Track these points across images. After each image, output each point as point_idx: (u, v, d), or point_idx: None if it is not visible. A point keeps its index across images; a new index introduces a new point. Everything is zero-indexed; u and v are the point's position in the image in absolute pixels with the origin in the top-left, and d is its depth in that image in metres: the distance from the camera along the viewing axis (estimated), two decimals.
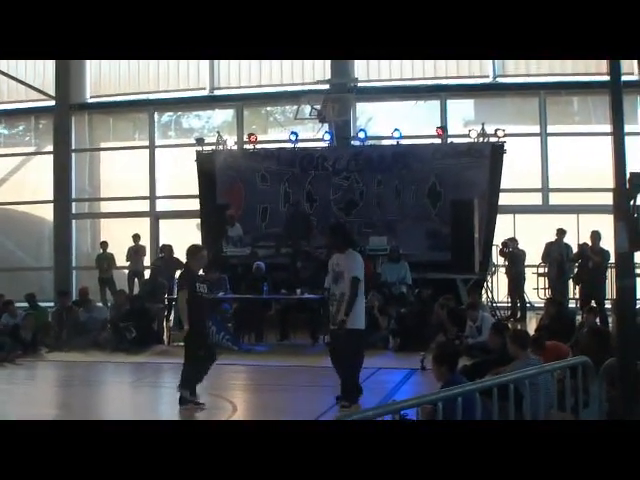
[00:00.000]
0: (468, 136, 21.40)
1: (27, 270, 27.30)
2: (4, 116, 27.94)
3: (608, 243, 18.99)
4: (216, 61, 25.28)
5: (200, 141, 23.13)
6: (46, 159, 26.98)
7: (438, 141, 22.10)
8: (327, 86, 23.20)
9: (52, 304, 22.06)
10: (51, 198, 26.49)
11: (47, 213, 26.88)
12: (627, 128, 6.84)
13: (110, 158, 27.65)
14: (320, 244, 19.10)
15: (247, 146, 23.40)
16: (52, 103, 26.33)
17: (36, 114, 27.69)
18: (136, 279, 22.41)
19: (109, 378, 15.16)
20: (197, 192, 23.25)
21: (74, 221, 26.88)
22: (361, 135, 22.46)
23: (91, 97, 26.94)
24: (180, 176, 25.25)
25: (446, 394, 5.54)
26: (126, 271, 23.00)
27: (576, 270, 20.02)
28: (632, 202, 6.27)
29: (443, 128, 22.16)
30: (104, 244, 23.25)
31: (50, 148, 26.99)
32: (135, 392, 13.88)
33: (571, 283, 20.48)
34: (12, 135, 28.95)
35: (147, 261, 23.34)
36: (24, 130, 28.75)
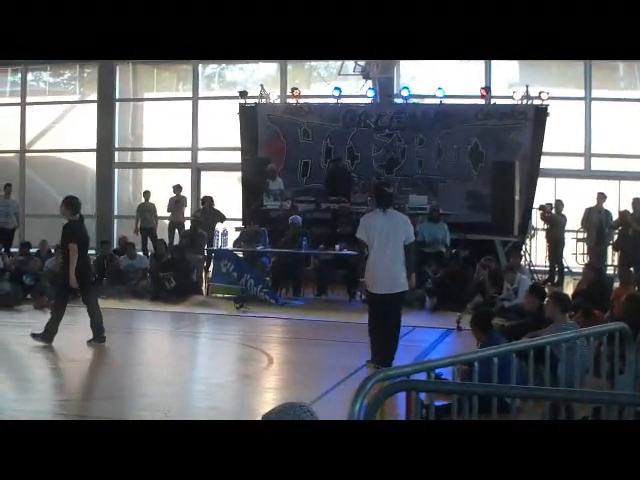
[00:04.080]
0: (512, 98, 21.24)
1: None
2: (49, 64, 28.06)
3: None
4: None
5: (243, 94, 23.10)
6: (90, 108, 27.06)
7: (481, 102, 21.97)
8: None
9: (93, 252, 22.31)
10: (94, 147, 26.60)
11: (90, 162, 27.01)
12: None
13: (153, 109, 27.79)
14: (361, 201, 19.17)
15: (290, 100, 23.39)
16: None
17: (81, 63, 27.72)
18: (176, 230, 22.55)
19: (147, 326, 15.35)
20: (239, 145, 23.31)
21: (116, 170, 27.02)
22: (404, 93, 22.28)
23: None
24: (222, 129, 25.28)
25: (482, 354, 5.59)
26: (167, 222, 23.15)
27: (616, 237, 19.98)
28: None
29: (487, 89, 21.99)
30: (147, 194, 23.28)
31: (94, 97, 27.02)
32: (173, 341, 14.10)
33: (610, 249, 20.45)
34: (57, 83, 29.06)
35: (187, 212, 23.47)
36: (69, 78, 28.86)
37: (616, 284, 15.61)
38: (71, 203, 12.83)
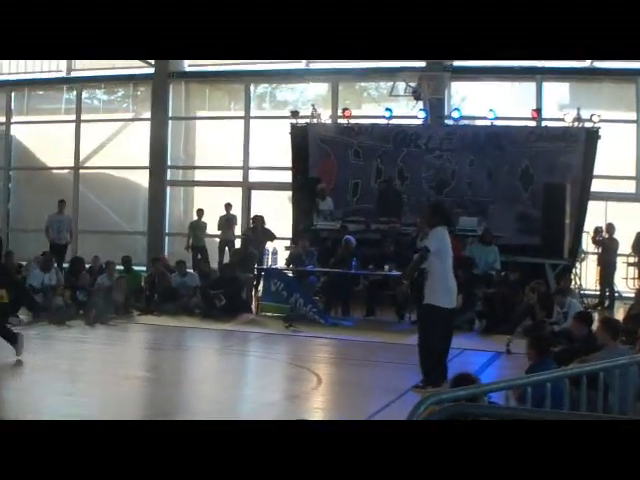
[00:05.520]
0: (563, 120, 21.14)
1: (121, 234, 27.92)
2: (104, 82, 28.45)
3: None
4: None
5: (295, 114, 23.20)
6: (143, 126, 27.39)
7: (532, 124, 21.90)
8: (423, 64, 23.12)
9: (144, 268, 22.55)
10: (147, 164, 26.88)
11: (143, 179, 27.31)
12: None
13: (205, 127, 28.06)
14: (411, 222, 19.18)
15: (341, 121, 23.49)
16: (151, 71, 26.65)
17: (135, 81, 28.14)
18: (227, 248, 22.71)
19: (198, 344, 15.47)
20: (290, 164, 23.45)
21: (168, 188, 27.29)
22: (455, 114, 22.30)
23: (189, 66, 27.27)
24: (273, 148, 25.44)
25: (535, 379, 5.61)
26: (217, 240, 23.33)
27: None
28: None
29: (538, 111, 21.94)
30: (200, 212, 23.49)
31: (147, 115, 27.30)
32: (223, 359, 14.20)
33: None
34: (111, 101, 29.52)
35: (238, 231, 23.62)
36: (123, 97, 29.27)
37: None
38: None
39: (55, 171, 29.25)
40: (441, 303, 10.88)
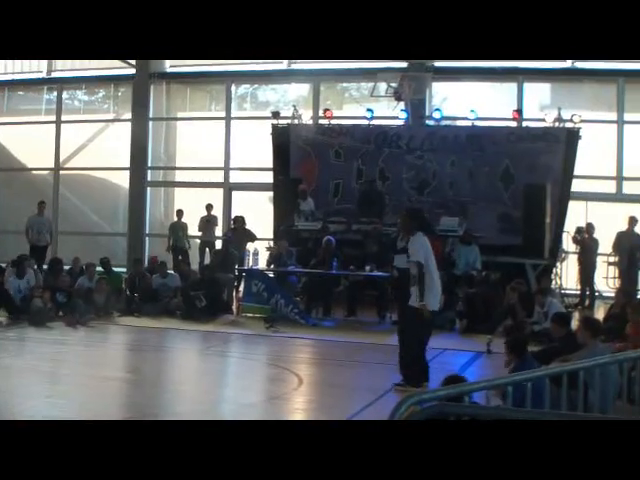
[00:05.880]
0: (544, 120, 21.17)
1: (101, 235, 27.81)
2: (84, 83, 28.31)
3: None
4: None
5: (276, 114, 23.15)
6: (124, 127, 27.27)
7: (513, 124, 21.93)
8: (404, 64, 23.13)
9: (124, 269, 22.47)
10: (127, 165, 26.77)
11: (123, 180, 27.20)
12: None
13: (186, 128, 27.99)
14: (392, 222, 19.15)
15: (322, 121, 23.44)
16: (132, 71, 26.57)
17: (115, 82, 28.01)
18: (207, 249, 22.66)
19: (178, 345, 15.45)
20: (271, 165, 23.39)
21: (149, 189, 27.18)
22: (436, 115, 22.27)
23: (170, 67, 27.17)
24: (254, 149, 25.37)
25: (516, 378, 5.61)
26: (198, 241, 23.27)
27: None
28: None
29: (519, 111, 21.96)
30: (180, 212, 23.40)
31: (128, 116, 27.23)
32: (203, 360, 14.16)
33: None
34: (91, 102, 29.37)
35: (218, 231, 23.56)
36: (103, 97, 29.13)
37: None
38: None
39: (35, 172, 29.11)
40: (431, 307, 11.00)
